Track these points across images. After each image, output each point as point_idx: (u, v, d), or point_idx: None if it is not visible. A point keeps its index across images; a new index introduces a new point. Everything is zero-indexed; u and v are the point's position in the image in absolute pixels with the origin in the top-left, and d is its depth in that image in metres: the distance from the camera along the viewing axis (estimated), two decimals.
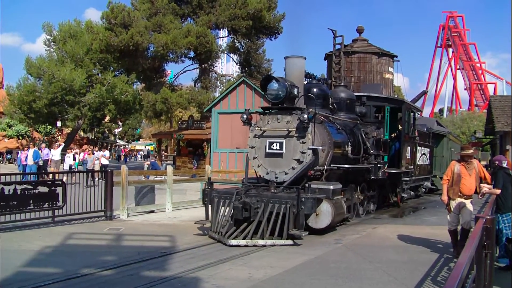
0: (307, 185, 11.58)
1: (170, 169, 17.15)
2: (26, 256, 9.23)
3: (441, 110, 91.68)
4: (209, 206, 12.32)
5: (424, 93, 42.93)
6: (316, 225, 11.78)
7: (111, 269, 8.46)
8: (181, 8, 38.19)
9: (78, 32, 41.56)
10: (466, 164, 9.94)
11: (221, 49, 44.19)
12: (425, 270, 8.58)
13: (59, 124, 44.74)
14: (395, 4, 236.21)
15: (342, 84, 18.18)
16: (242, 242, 10.68)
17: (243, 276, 8.08)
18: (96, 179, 21.18)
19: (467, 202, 9.86)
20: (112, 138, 77.80)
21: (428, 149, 23.39)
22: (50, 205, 12.68)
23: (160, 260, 9.31)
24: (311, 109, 12.24)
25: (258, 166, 13.04)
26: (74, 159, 26.63)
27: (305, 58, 13.77)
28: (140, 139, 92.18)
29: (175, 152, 44.89)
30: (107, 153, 29.95)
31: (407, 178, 18.82)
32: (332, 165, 13.24)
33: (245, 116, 13.16)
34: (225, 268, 8.61)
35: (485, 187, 9.66)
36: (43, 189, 12.62)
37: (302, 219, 10.93)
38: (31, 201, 12.25)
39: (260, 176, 13.24)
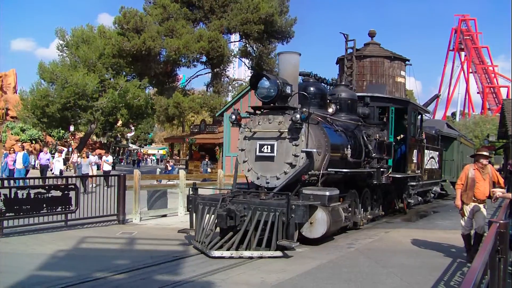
0: (302, 191, 11.07)
1: (182, 173, 17.19)
2: (39, 259, 9.27)
3: (453, 114, 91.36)
4: (194, 213, 11.40)
5: (436, 96, 42.82)
6: (311, 235, 10.79)
7: (124, 273, 8.48)
8: (193, 13, 38.33)
9: (90, 37, 41.80)
10: (480, 169, 9.88)
11: (233, 54, 44.28)
12: (438, 274, 8.53)
13: (72, 128, 44.95)
14: (407, 8, 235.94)
15: (343, 83, 16.84)
16: (226, 253, 9.77)
17: (255, 281, 8.07)
18: (91, 185, 18.58)
19: (481, 207, 9.81)
20: (124, 142, 78.18)
21: (437, 153, 22.61)
22: (63, 209, 12.74)
23: (173, 264, 9.32)
24: (304, 109, 11.27)
25: (248, 170, 12.15)
26: (65, 163, 25.51)
27: (300, 54, 12.90)
28: (153, 144, 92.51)
29: (187, 156, 45.03)
30: (110, 158, 28.13)
31: (414, 183, 17.89)
32: (329, 170, 12.28)
33: (233, 117, 12.32)
34: (238, 273, 8.60)
35: (498, 191, 9.60)
36: (56, 193, 12.69)
37: (292, 228, 10.00)
38: (44, 205, 12.31)
39: (250, 181, 12.41)
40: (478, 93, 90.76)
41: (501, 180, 10.19)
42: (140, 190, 14.85)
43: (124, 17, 35.57)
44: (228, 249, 9.91)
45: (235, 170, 12.99)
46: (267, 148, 11.66)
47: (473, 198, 9.82)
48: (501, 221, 5.95)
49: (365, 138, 14.75)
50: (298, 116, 10.95)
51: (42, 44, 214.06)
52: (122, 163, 64.68)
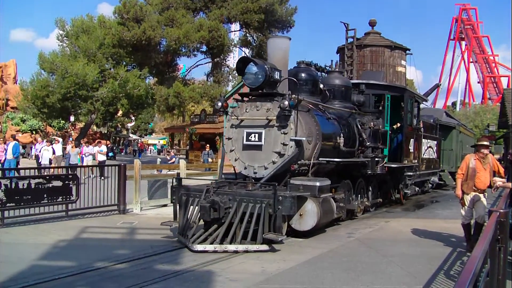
0: (290, 181, 10.73)
1: (183, 163, 17.20)
2: (41, 249, 9.30)
3: (454, 104, 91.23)
4: (178, 205, 10.95)
5: (437, 86, 42.81)
6: (300, 227, 10.43)
7: (125, 263, 8.51)
8: (193, 2, 38.19)
9: (90, 27, 41.63)
10: (481, 159, 9.89)
11: (233, 43, 44.13)
12: (438, 264, 8.56)
13: (72, 118, 44.94)
14: None
15: (337, 70, 16.03)
16: (210, 247, 9.33)
17: (256, 270, 8.10)
18: (84, 176, 18.29)
19: (481, 196, 9.82)
20: (125, 132, 78.14)
21: (435, 142, 22.23)
22: (64, 199, 12.77)
23: (173, 253, 9.35)
24: (293, 95, 10.75)
25: (235, 160, 11.63)
26: (54, 152, 24.09)
27: (290, 39, 12.41)
28: (153, 133, 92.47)
29: (188, 146, 45.04)
30: (103, 148, 26.84)
31: (411, 173, 17.48)
32: (320, 159, 11.89)
33: (219, 104, 11.77)
34: (238, 262, 8.64)
35: (499, 181, 9.61)
36: (57, 183, 12.70)
37: (279, 220, 9.51)
38: (45, 195, 12.34)
39: (238, 171, 11.92)
40: (478, 82, 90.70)
41: (502, 170, 10.20)
42: (140, 180, 14.86)
43: (124, 6, 35.47)
44: (211, 243, 9.49)
45: (221, 160, 12.77)
46: (255, 136, 11.18)
47: (474, 188, 9.84)
48: (501, 211, 5.96)
49: (359, 126, 14.41)
50: (286, 102, 10.44)
51: (42, 34, 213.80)
52: (122, 153, 64.65)
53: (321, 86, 14.20)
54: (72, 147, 26.54)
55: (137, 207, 14.64)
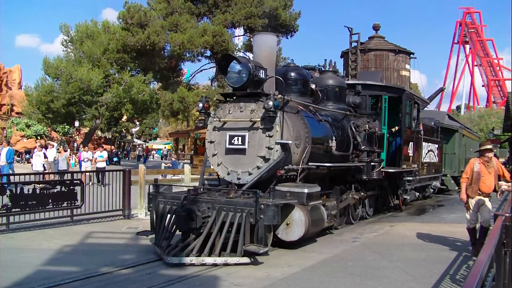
0: (277, 188, 9.99)
1: (187, 168, 17.21)
2: (46, 255, 9.31)
3: (458, 107, 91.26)
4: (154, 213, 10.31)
5: (441, 90, 42.75)
6: (287, 237, 9.78)
7: (130, 268, 8.52)
8: (197, 7, 38.24)
9: (95, 32, 41.79)
10: (485, 163, 9.87)
11: (237, 48, 44.18)
12: (444, 268, 8.54)
13: (77, 124, 45.03)
14: (411, 1, 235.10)
15: (330, 69, 15.00)
16: (185, 259, 8.64)
17: (260, 275, 8.09)
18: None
19: (486, 200, 9.80)
20: (129, 137, 78.27)
21: (437, 146, 21.28)
22: (69, 204, 12.77)
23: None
24: (279, 95, 10.15)
25: (218, 165, 10.91)
26: (45, 157, 23.32)
27: (278, 36, 11.82)
28: (157, 138, 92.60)
29: (192, 151, 45.07)
30: (104, 154, 25.55)
31: (410, 178, 16.61)
32: (310, 164, 11.17)
33: (200, 105, 11.04)
34: (243, 267, 8.62)
35: (504, 185, 9.61)
36: (61, 188, 12.72)
37: (261, 231, 8.80)
38: (50, 201, 12.35)
39: (221, 177, 11.17)
40: (483, 86, 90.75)
41: (507, 174, 10.18)
42: (145, 185, 14.86)
43: (128, 12, 35.51)
44: (187, 255, 8.81)
45: (203, 165, 12.04)
46: (238, 139, 10.43)
47: (478, 192, 9.82)
48: (507, 215, 5.95)
49: (353, 129, 13.64)
50: (271, 103, 9.70)
51: (47, 39, 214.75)
52: (127, 158, 64.71)
53: (313, 86, 13.67)
54: (59, 152, 25.43)
55: (142, 212, 14.64)
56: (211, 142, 11.06)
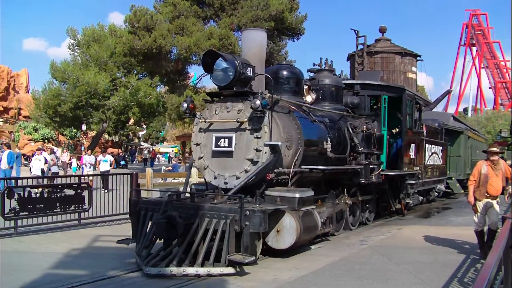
0: (267, 192, 9.61)
1: (194, 171, 17.20)
2: (54, 258, 9.34)
3: (465, 110, 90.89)
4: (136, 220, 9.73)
5: (448, 92, 42.55)
6: (277, 245, 9.24)
7: (137, 271, 8.52)
8: (203, 11, 38.28)
9: (101, 36, 41.86)
10: (492, 165, 9.85)
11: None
12: (452, 271, 8.51)
13: (84, 127, 45.13)
14: (417, 3, 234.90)
15: (327, 68, 14.33)
16: (165, 270, 8.11)
17: (268, 278, 8.09)
18: None
19: (494, 203, 9.78)
20: (136, 141, 78.39)
21: (441, 148, 20.70)
22: (77, 208, 12.84)
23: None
24: (268, 94, 9.59)
25: (205, 168, 10.33)
26: (46, 162, 22.30)
27: (266, 32, 11.40)
28: (164, 142, 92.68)
29: None
30: (108, 157, 24.42)
31: (413, 181, 16.02)
32: (303, 167, 10.66)
33: (185, 105, 10.38)
34: (250, 270, 8.57)
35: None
36: (69, 192, 12.77)
37: (246, 239, 8.26)
38: (57, 204, 12.41)
39: (208, 181, 10.58)
40: (490, 88, 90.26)
41: None
42: (152, 188, 14.89)
43: (135, 15, 35.57)
44: (167, 265, 8.27)
45: (188, 169, 11.63)
46: (224, 141, 9.88)
47: (486, 194, 9.80)
48: None
49: (350, 130, 13.03)
50: (258, 102, 9.14)
51: (54, 43, 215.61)
52: (134, 161, 64.78)
53: (308, 85, 13.28)
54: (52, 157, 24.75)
55: None
56: (197, 144, 10.52)
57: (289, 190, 9.86)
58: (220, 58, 9.88)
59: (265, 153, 9.58)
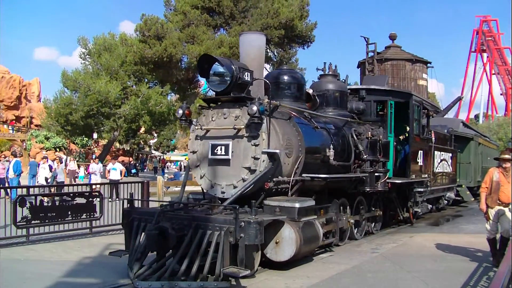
0: (265, 202, 9.28)
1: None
2: (65, 266, 9.36)
3: (476, 116, 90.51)
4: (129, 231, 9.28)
5: (459, 99, 42.34)
6: (276, 257, 8.88)
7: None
8: (214, 19, 38.40)
9: (112, 44, 42.11)
10: (504, 172, 9.80)
11: None
12: (464, 279, 8.46)
13: (95, 136, 45.36)
14: (427, 10, 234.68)
15: (330, 73, 14.04)
16: (156, 284, 7.73)
17: (279, 286, 8.07)
18: None
19: (506, 210, 9.72)
20: (147, 149, 78.62)
21: (450, 154, 20.26)
22: (88, 216, 12.86)
23: None
24: (266, 99, 9.26)
25: (201, 177, 9.93)
26: (51, 170, 22.51)
27: (266, 36, 10.96)
28: (175, 150, 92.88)
29: None
30: (118, 165, 23.49)
31: (421, 189, 15.67)
32: (303, 175, 10.25)
33: (180, 111, 10.01)
34: (261, 279, 8.59)
35: None
36: (80, 200, 12.82)
37: (242, 251, 7.83)
38: (69, 212, 12.44)
39: (205, 190, 10.16)
40: (501, 94, 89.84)
41: None
42: (164, 196, 14.91)
43: (145, 24, 35.75)
44: (158, 278, 7.91)
45: (184, 177, 11.18)
46: (221, 149, 9.47)
47: (498, 201, 9.74)
48: None
49: (354, 137, 12.62)
50: (255, 108, 8.80)
51: (65, 52, 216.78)
52: (144, 170, 64.90)
53: (310, 91, 12.88)
54: (57, 163, 25.06)
55: None
56: (194, 152, 10.12)
57: (289, 199, 9.51)
58: (216, 63, 9.57)
59: (263, 161, 9.19)
